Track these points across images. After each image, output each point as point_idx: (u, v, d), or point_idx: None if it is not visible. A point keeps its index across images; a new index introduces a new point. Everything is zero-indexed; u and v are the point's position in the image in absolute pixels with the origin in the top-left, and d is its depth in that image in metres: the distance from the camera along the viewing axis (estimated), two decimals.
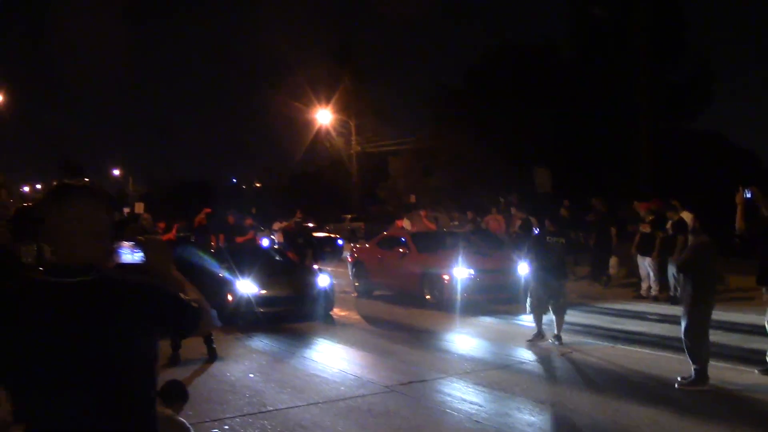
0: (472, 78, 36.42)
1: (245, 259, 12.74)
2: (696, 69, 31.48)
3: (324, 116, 40.27)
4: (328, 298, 12.60)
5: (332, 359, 9.38)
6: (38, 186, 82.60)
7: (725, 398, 7.02)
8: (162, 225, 15.17)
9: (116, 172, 72.37)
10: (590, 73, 30.63)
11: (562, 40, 35.00)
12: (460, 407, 6.85)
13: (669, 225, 12.55)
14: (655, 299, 12.85)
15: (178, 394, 4.55)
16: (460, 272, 12.82)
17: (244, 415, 6.70)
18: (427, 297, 13.52)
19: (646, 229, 12.98)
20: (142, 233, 11.95)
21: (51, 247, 2.25)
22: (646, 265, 13.22)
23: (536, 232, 10.41)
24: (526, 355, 9.27)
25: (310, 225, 29.22)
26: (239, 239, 17.25)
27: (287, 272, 13.24)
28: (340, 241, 28.34)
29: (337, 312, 12.90)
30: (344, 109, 40.64)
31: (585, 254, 16.29)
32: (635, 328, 10.79)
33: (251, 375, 8.43)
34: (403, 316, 12.76)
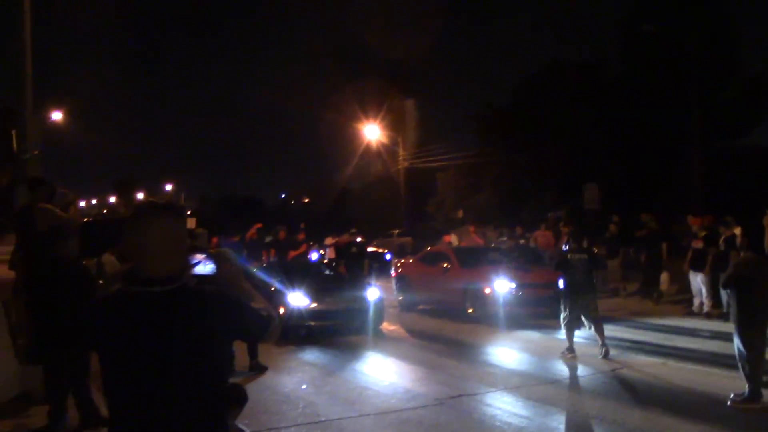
0: (519, 95, 36.48)
1: (296, 272, 13.02)
2: (747, 84, 31.00)
3: (372, 132, 40.66)
4: (378, 311, 12.78)
5: (382, 372, 9.55)
6: (93, 201, 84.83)
7: None
8: (215, 240, 15.54)
9: (168, 187, 73.90)
10: (640, 90, 30.39)
11: (612, 57, 34.81)
12: (510, 421, 6.93)
13: (721, 241, 12.45)
14: (708, 316, 12.70)
15: (236, 398, 4.72)
16: (502, 286, 12.91)
17: (298, 425, 6.90)
18: (469, 311, 13.65)
19: (698, 245, 12.86)
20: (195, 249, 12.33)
21: (133, 261, 2.47)
22: (698, 281, 13.09)
23: (564, 249, 10.58)
24: (573, 371, 9.29)
25: (360, 240, 29.51)
26: (292, 253, 17.57)
27: (338, 286, 13.48)
28: (388, 256, 28.50)
29: (385, 326, 13.06)
30: (392, 125, 40.98)
31: (636, 270, 16.16)
32: (687, 344, 10.70)
33: (304, 387, 8.64)
34: (447, 330, 12.89)
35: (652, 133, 29.86)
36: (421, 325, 13.74)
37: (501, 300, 12.93)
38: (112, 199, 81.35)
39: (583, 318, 9.91)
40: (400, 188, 42.02)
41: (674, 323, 12.58)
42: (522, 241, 18.65)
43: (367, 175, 48.59)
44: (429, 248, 17.20)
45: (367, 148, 42.68)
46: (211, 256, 2.81)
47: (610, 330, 12.06)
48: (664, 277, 15.23)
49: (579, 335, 11.18)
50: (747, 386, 7.20)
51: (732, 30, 30.68)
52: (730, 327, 8.65)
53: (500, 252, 15.83)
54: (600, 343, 9.78)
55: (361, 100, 41.42)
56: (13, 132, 12.99)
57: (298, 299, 12.05)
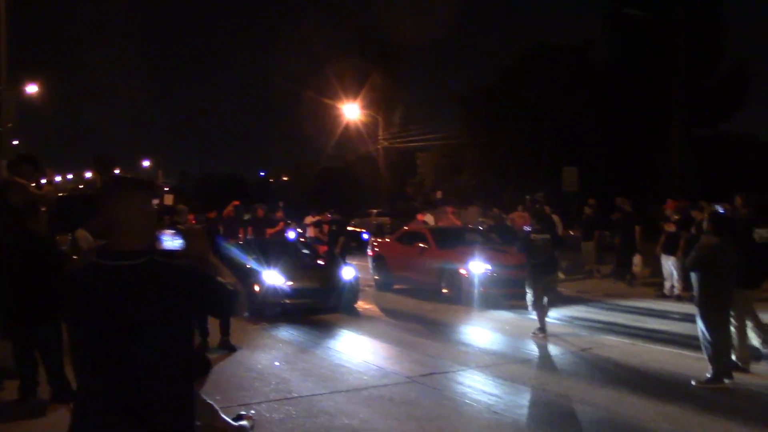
0: (504, 77, 36.41)
1: (273, 251, 13.01)
2: (732, 70, 31.25)
3: (352, 111, 40.51)
4: (353, 290, 12.83)
5: (356, 350, 9.62)
6: (69, 176, 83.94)
7: (744, 396, 7.11)
8: (191, 217, 15.49)
9: (146, 163, 73.21)
10: (624, 74, 30.51)
11: (598, 41, 34.83)
12: (479, 398, 7.03)
13: (694, 225, 12.59)
14: (679, 298, 12.88)
15: (201, 368, 4.76)
16: (477, 267, 13.00)
17: (270, 401, 6.94)
18: (444, 291, 13.74)
19: (671, 228, 13.01)
20: (175, 224, 12.29)
21: (105, 235, 2.51)
22: (670, 264, 13.26)
23: (526, 229, 10.78)
24: (544, 350, 9.41)
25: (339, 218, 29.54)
26: (269, 231, 17.53)
27: (314, 265, 13.49)
28: (365, 235, 28.53)
29: (360, 305, 13.12)
30: (373, 104, 40.86)
31: (611, 253, 16.33)
32: (657, 326, 10.87)
33: (277, 364, 8.69)
34: (422, 310, 12.97)
35: (636, 118, 30.02)
36: (396, 304, 13.82)
37: (476, 281, 13.03)
38: (89, 174, 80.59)
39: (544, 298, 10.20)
40: (379, 168, 41.99)
41: (645, 305, 12.77)
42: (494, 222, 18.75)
43: (348, 154, 48.48)
44: (406, 228, 17.23)
45: (348, 127, 42.53)
46: (180, 232, 2.82)
47: (582, 311, 12.33)
48: (636, 259, 15.41)
49: (553, 316, 11.40)
50: (710, 367, 7.35)
51: (717, 15, 30.83)
52: None
53: (477, 233, 15.92)
54: (542, 325, 10.13)
55: (342, 78, 41.20)
56: None
57: (273, 277, 12.06)
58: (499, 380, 7.75)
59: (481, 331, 10.93)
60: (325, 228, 17.37)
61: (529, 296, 10.30)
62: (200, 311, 2.60)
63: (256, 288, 12.09)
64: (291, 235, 18.90)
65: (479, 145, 35.80)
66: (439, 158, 39.32)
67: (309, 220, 31.05)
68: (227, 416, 4.89)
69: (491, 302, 12.75)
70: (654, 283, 14.65)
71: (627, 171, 29.80)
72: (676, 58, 22.87)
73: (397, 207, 38.95)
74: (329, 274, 12.93)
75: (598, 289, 14.95)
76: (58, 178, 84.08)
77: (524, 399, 7.13)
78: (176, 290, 2.44)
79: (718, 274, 7.45)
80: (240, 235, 16.66)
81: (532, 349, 9.56)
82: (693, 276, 7.68)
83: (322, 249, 16.55)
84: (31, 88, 36.69)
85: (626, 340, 9.84)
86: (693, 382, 7.39)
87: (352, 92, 40.52)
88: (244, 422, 4.69)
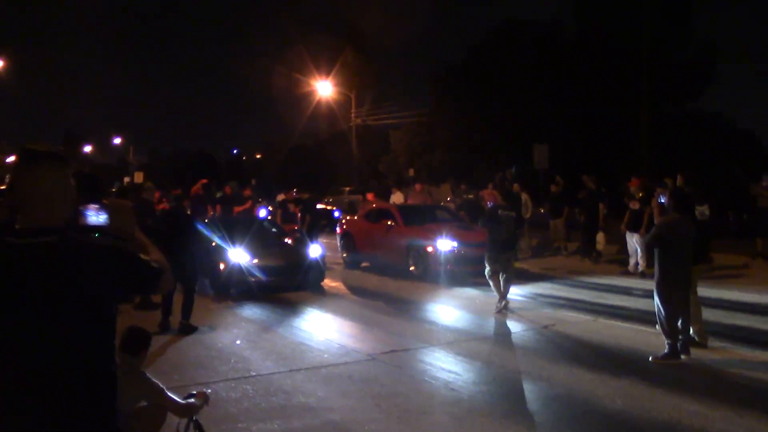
0: (475, 54, 36.34)
1: (239, 228, 12.90)
2: (700, 49, 31.44)
3: (324, 88, 40.23)
4: (320, 268, 12.79)
5: (319, 328, 9.59)
6: None
7: (699, 372, 7.19)
8: (157, 194, 15.29)
9: (117, 140, 72.30)
10: (594, 52, 30.58)
11: (567, 18, 34.89)
12: (438, 375, 7.04)
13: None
14: (643, 275, 13.00)
15: (139, 342, 4.68)
16: (444, 245, 13.02)
17: (228, 380, 6.90)
18: (411, 269, 13.76)
19: (635, 205, 13.11)
20: (142, 202, 12.12)
21: (18, 211, 2.39)
22: (634, 241, 13.38)
23: (491, 205, 10.86)
24: (506, 327, 9.46)
25: (307, 197, 29.49)
26: (237, 209, 17.39)
27: (280, 242, 13.41)
28: (336, 213, 28.43)
29: (327, 282, 13.08)
30: (345, 82, 40.59)
31: (579, 230, 16.44)
32: (619, 302, 10.97)
33: (239, 342, 8.63)
34: (389, 288, 12.96)
35: (605, 95, 30.15)
36: (363, 282, 13.80)
37: (442, 258, 13.05)
38: None
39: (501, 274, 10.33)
40: (352, 146, 41.83)
41: (609, 282, 12.88)
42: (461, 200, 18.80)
43: (321, 132, 48.25)
44: (373, 205, 17.18)
45: (320, 104, 42.29)
46: (105, 206, 2.73)
47: (547, 288, 12.40)
48: (599, 237, 15.52)
49: (517, 293, 11.48)
50: (666, 343, 7.44)
51: None
52: None
53: (445, 210, 15.92)
54: (502, 295, 10.31)
55: (315, 56, 40.92)
56: None
57: (238, 255, 11.98)
58: (459, 357, 7.78)
59: (446, 309, 10.96)
60: (291, 207, 17.25)
61: (488, 270, 10.45)
62: (121, 291, 2.49)
63: (221, 266, 12.00)
64: (262, 213, 18.76)
65: (451, 122, 35.77)
66: (412, 136, 39.26)
67: (281, 197, 30.92)
68: (179, 395, 4.84)
69: (457, 280, 12.79)
70: (619, 260, 14.79)
71: (597, 148, 29.98)
72: (643, 35, 22.92)
73: (369, 185, 38.87)
74: (295, 252, 12.87)
75: (564, 267, 15.06)
76: None
77: (483, 376, 7.15)
78: (91, 269, 2.31)
79: (677, 250, 7.52)
80: (210, 213, 16.52)
81: (495, 326, 9.61)
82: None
83: (290, 228, 16.46)
84: None
85: (588, 317, 9.92)
86: (650, 358, 7.48)
87: (325, 70, 40.24)
88: (192, 400, 4.62)
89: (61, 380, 2.26)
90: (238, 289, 11.92)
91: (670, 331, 7.44)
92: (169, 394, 4.56)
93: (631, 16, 25.44)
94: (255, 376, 7.07)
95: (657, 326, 7.66)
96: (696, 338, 7.91)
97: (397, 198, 18.73)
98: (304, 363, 7.56)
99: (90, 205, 2.79)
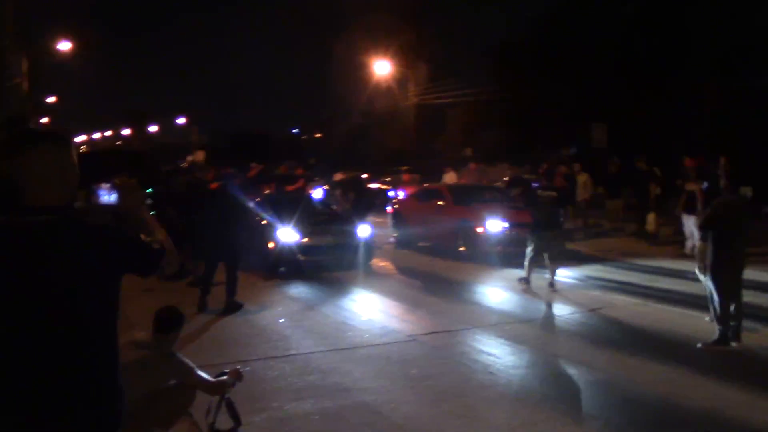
0: (536, 31, 35.60)
1: (289, 207, 12.97)
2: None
3: (382, 67, 40.06)
4: (368, 248, 12.79)
5: (363, 308, 9.60)
6: (107, 133, 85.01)
7: (748, 360, 6.93)
8: (211, 174, 15.51)
9: (181, 120, 73.71)
10: (658, 25, 29.51)
11: None
12: (477, 358, 6.97)
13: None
14: None
15: (171, 322, 4.74)
16: (493, 225, 12.84)
17: (266, 358, 6.97)
18: (461, 249, 13.63)
19: (691, 186, 12.66)
20: (196, 181, 12.32)
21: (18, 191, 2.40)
22: (690, 223, 12.94)
23: (534, 185, 10.87)
24: (551, 310, 9.30)
25: (364, 176, 29.77)
26: (289, 188, 17.57)
27: (330, 221, 13.44)
28: (391, 193, 28.41)
29: (376, 262, 13.09)
30: (402, 60, 40.34)
31: (631, 211, 16.05)
32: (671, 286, 10.65)
33: (281, 320, 8.71)
34: (437, 268, 12.88)
35: (671, 71, 29.08)
36: (412, 262, 13.75)
37: (492, 239, 12.89)
38: (126, 131, 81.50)
39: (544, 254, 10.38)
40: (409, 124, 41.60)
41: (663, 265, 12.51)
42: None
43: (380, 111, 48.14)
44: (425, 185, 17.10)
45: (378, 84, 42.16)
46: (115, 186, 2.75)
47: (599, 270, 12.15)
48: (650, 217, 15.11)
49: (567, 275, 11.30)
50: (717, 329, 7.18)
51: None
52: None
53: (497, 190, 15.71)
54: (550, 277, 10.35)
55: (372, 34, 40.75)
56: None
57: (287, 234, 12.06)
58: (501, 340, 7.67)
59: (493, 290, 10.83)
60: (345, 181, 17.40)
61: (529, 249, 10.48)
62: (121, 272, 2.49)
63: (270, 245, 12.12)
64: (318, 192, 18.83)
65: (509, 100, 35.22)
66: (469, 115, 38.85)
67: (339, 177, 31.21)
68: (213, 374, 4.89)
69: (507, 261, 12.62)
70: (676, 242, 14.35)
71: (658, 127, 29.04)
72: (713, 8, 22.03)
73: (427, 164, 38.69)
74: (345, 231, 12.88)
75: (618, 249, 14.69)
76: (95, 136, 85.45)
77: (522, 360, 7.05)
78: (90, 250, 2.33)
79: (733, 232, 7.23)
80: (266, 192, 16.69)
81: (540, 308, 9.46)
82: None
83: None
84: (64, 45, 36.91)
85: (638, 301, 9.67)
86: (699, 345, 7.23)
87: (382, 48, 40.04)
88: (224, 377, 4.67)
89: (59, 357, 2.26)
90: (287, 267, 12.03)
91: (722, 317, 7.17)
92: (198, 372, 4.62)
93: None
94: (294, 354, 7.12)
95: (710, 313, 7.39)
96: None
97: (449, 178, 18.61)
98: (344, 343, 7.58)
99: (102, 185, 2.82)
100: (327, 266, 12.17)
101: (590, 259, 13.35)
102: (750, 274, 7.70)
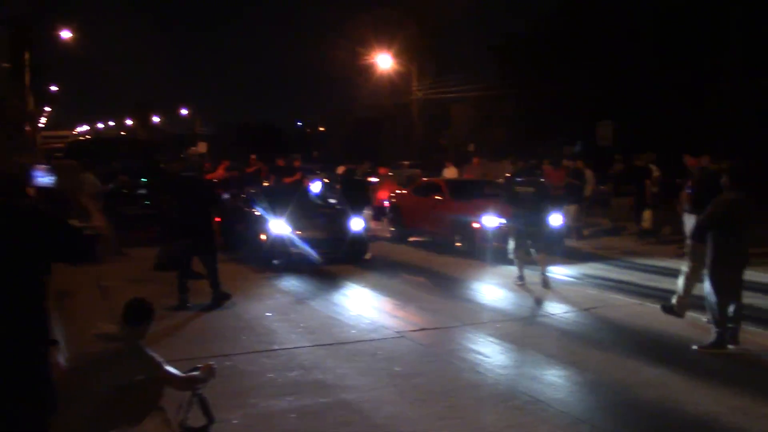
0: (541, 27, 35.28)
1: (283, 200, 12.77)
2: None
3: (386, 62, 39.82)
4: (362, 242, 12.60)
5: (353, 303, 9.40)
6: (111, 123, 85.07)
7: (745, 363, 6.71)
8: (207, 165, 15.32)
9: (184, 111, 73.64)
10: (673, 20, 29.03)
11: None
12: (465, 357, 6.77)
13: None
14: None
15: (140, 313, 4.51)
16: (490, 221, 12.62)
17: (249, 353, 6.79)
18: (457, 244, 13.43)
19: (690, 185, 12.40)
20: (169, 171, 12.09)
21: None
22: (692, 222, 12.69)
23: (516, 180, 10.84)
24: (545, 308, 9.07)
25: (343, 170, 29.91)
26: (286, 180, 17.35)
27: (323, 215, 13.23)
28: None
29: (370, 256, 12.87)
30: (407, 55, 40.08)
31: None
32: (670, 286, 10.27)
33: (269, 314, 8.52)
34: (432, 263, 12.65)
35: (686, 67, 28.61)
36: (407, 256, 13.53)
37: (489, 235, 12.67)
38: (130, 121, 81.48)
39: (531, 250, 10.32)
40: (413, 119, 41.36)
41: (663, 264, 12.26)
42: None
43: (382, 105, 47.90)
44: (423, 179, 16.88)
45: (381, 78, 41.91)
46: (53, 168, 2.58)
47: (597, 268, 11.94)
48: (646, 215, 14.89)
49: (564, 273, 11.10)
50: (714, 331, 6.96)
51: None
52: None
53: (495, 186, 15.47)
54: (541, 272, 10.20)
55: (377, 29, 40.51)
56: None
57: (280, 227, 11.87)
58: (491, 338, 7.46)
59: (487, 287, 10.61)
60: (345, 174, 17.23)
61: (510, 245, 10.42)
62: (47, 257, 2.32)
63: (263, 237, 11.93)
64: (317, 185, 18.58)
65: (514, 96, 34.93)
66: (474, 110, 38.60)
67: (341, 170, 31.09)
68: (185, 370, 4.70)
69: (503, 257, 12.37)
70: (678, 242, 14.09)
71: (666, 125, 28.68)
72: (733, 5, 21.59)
73: (431, 159, 38.46)
74: (338, 224, 12.68)
75: (619, 247, 14.45)
76: (100, 125, 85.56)
77: (511, 359, 6.85)
78: (13, 233, 2.17)
79: (734, 231, 7.01)
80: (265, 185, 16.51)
81: (534, 306, 9.22)
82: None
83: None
84: (66, 33, 36.77)
85: (635, 300, 9.44)
86: (694, 347, 7.02)
87: (386, 43, 39.80)
88: (195, 373, 4.48)
89: None
90: (280, 260, 11.84)
91: (719, 319, 6.95)
92: (167, 367, 4.42)
93: None
94: (277, 349, 6.94)
95: (708, 314, 7.15)
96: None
97: (449, 173, 18.38)
98: (330, 338, 7.39)
99: (40, 166, 2.63)
100: (319, 260, 11.94)
101: (589, 257, 13.12)
102: (750, 275, 7.46)
